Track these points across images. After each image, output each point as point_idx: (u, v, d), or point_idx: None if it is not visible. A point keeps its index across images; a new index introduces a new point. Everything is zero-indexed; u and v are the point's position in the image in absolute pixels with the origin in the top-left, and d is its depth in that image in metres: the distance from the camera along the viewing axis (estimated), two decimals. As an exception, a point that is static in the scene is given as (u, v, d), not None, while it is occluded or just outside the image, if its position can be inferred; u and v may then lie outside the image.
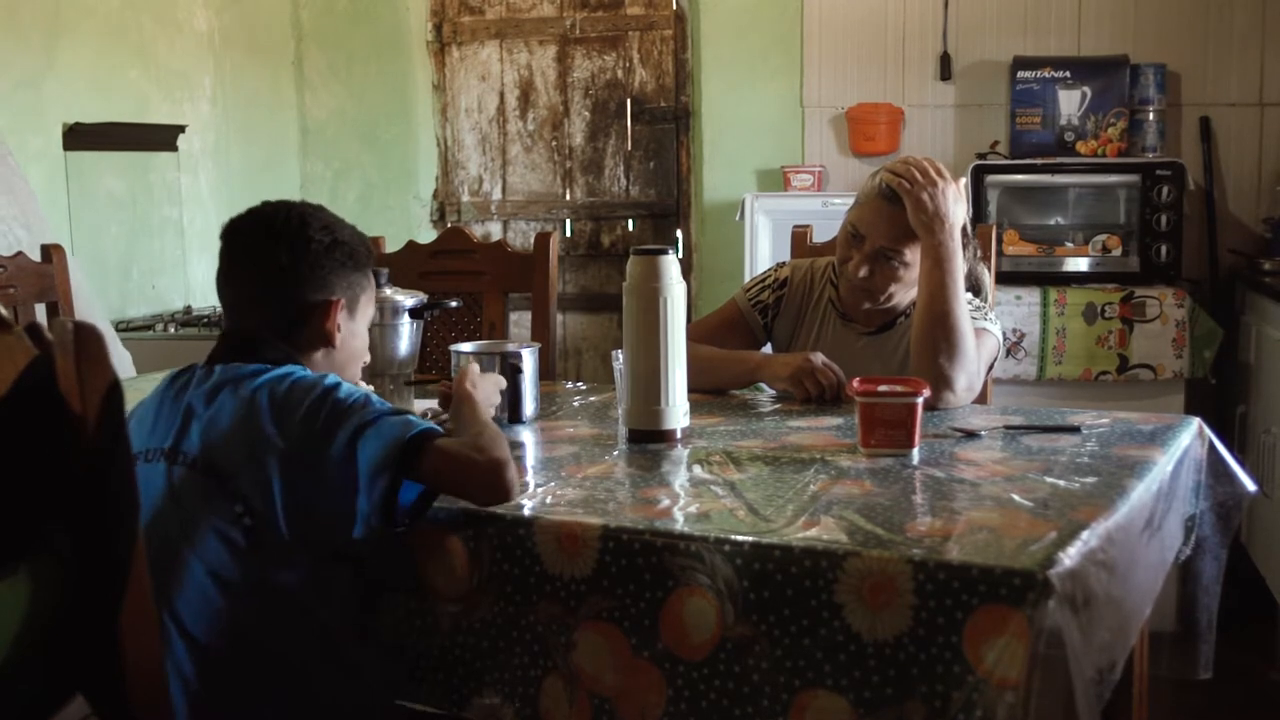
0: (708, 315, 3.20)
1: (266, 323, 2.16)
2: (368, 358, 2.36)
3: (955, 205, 2.74)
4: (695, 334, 2.85)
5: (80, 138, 4.99)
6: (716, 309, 3.18)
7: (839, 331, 2.99)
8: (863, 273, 2.84)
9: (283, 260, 2.17)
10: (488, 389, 2.38)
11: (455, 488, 1.96)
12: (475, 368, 2.37)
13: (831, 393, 2.76)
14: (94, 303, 4.39)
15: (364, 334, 2.30)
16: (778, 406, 2.77)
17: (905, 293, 2.89)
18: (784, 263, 3.17)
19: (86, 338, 1.43)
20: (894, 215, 2.78)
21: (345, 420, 1.96)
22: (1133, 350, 4.51)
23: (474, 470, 1.92)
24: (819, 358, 2.79)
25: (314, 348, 2.19)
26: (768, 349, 3.09)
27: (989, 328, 2.85)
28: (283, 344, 2.15)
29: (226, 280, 2.21)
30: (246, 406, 1.99)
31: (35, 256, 3.70)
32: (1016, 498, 1.98)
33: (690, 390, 2.48)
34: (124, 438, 1.47)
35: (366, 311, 2.30)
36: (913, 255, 2.81)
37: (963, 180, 2.84)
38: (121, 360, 4.31)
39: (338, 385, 2.03)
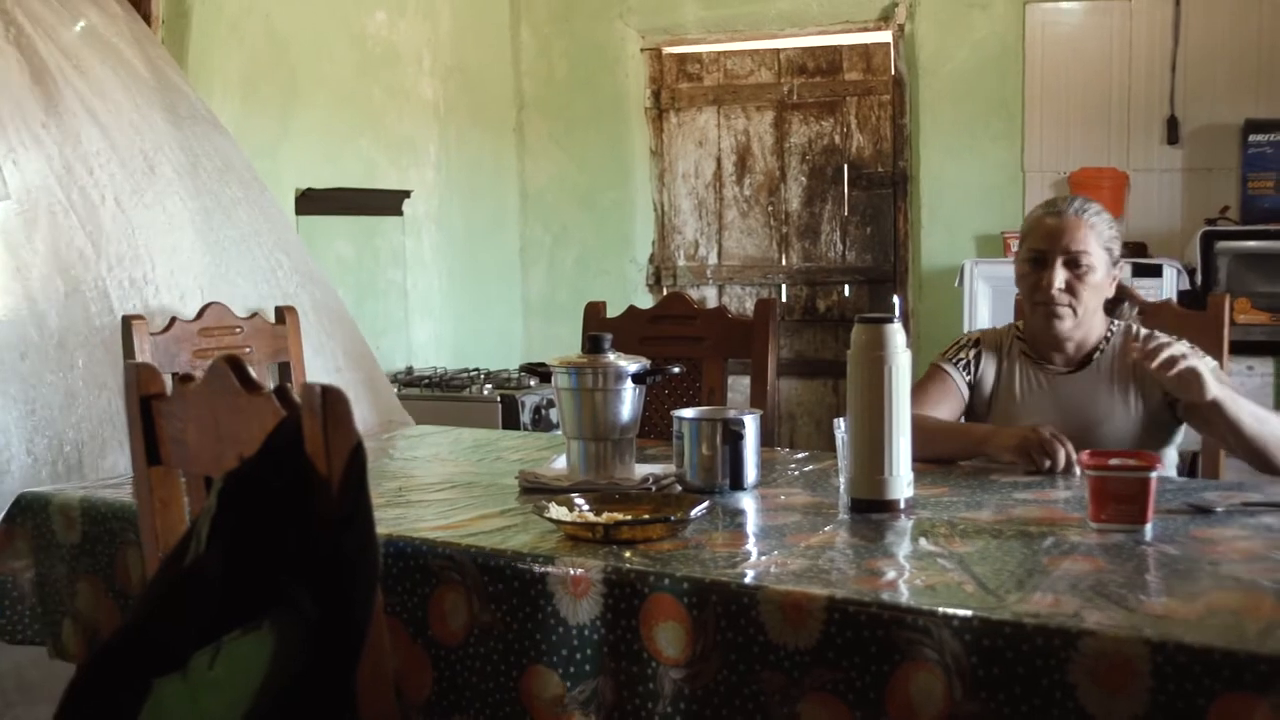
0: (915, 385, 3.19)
1: None
2: None
3: (1112, 235, 2.98)
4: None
5: (311, 202, 5.17)
6: (915, 389, 3.14)
7: (1036, 375, 3.04)
8: (1059, 283, 2.93)
9: None
10: None
11: None
12: None
13: (1062, 464, 2.71)
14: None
15: None
16: (1003, 478, 2.71)
17: (1096, 301, 2.98)
18: (967, 333, 3.28)
19: (333, 401, 1.47)
20: (1062, 223, 2.95)
21: None
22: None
23: None
24: (1047, 429, 2.74)
25: None
26: (966, 393, 3.11)
27: (1207, 366, 2.82)
28: None
29: None
30: None
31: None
32: (1259, 578, 1.91)
33: (913, 460, 2.45)
34: (366, 500, 1.51)
35: None
36: (1096, 253, 2.94)
37: (1117, 229, 2.99)
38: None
39: None
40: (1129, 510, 2.20)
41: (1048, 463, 2.70)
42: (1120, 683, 1.65)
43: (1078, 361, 3.02)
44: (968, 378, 3.10)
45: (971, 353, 3.12)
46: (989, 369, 3.10)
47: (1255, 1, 5.23)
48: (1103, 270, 2.96)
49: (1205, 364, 2.73)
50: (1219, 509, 2.36)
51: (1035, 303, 2.99)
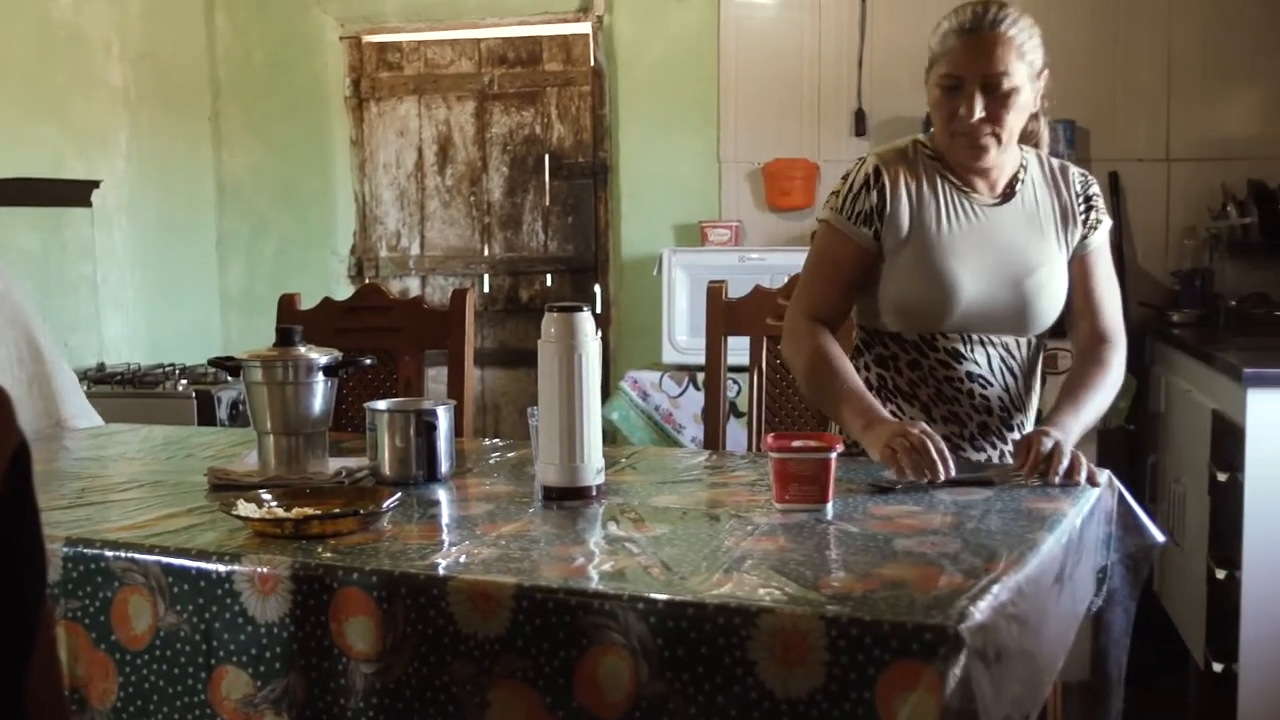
0: (809, 275, 2.85)
1: None
2: None
3: (1034, 43, 2.69)
4: (813, 305, 2.76)
5: (-9, 193, 4.94)
6: (810, 260, 2.84)
7: (962, 203, 2.76)
8: (979, 112, 2.64)
9: None
10: None
11: None
12: None
13: (928, 474, 2.45)
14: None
15: None
16: (695, 461, 2.77)
17: (1020, 122, 2.71)
18: (860, 159, 2.86)
19: (-10, 401, 1.41)
20: (982, 41, 2.64)
21: None
22: (1047, 402, 4.55)
23: None
24: (916, 430, 2.49)
25: None
26: (874, 248, 2.77)
27: (1105, 227, 2.83)
28: None
29: None
30: None
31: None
32: (929, 552, 2.00)
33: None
34: (31, 501, 1.45)
35: None
36: (1018, 71, 2.65)
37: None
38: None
39: None
40: (810, 490, 2.28)
41: (913, 475, 2.45)
42: (797, 657, 1.70)
43: (1003, 192, 2.78)
44: (870, 230, 2.75)
45: (873, 196, 2.75)
46: (902, 202, 2.75)
47: (935, 2, 5.44)
48: (1027, 87, 2.68)
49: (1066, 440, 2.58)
50: (898, 486, 2.45)
51: (954, 133, 2.70)
